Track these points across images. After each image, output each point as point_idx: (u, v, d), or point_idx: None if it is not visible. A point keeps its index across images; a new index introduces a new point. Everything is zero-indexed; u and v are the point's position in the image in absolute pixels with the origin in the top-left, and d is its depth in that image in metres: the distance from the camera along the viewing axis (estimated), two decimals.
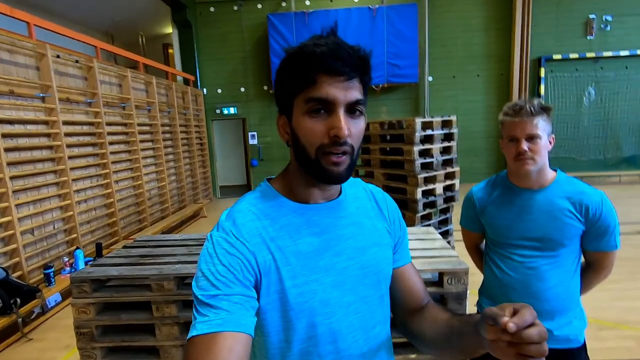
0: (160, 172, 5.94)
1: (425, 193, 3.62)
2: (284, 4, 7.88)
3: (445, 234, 3.88)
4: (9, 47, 3.23)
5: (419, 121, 3.47)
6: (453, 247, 3.84)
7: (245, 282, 0.59)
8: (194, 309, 0.58)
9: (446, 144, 3.83)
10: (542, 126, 1.11)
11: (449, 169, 3.78)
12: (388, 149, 3.95)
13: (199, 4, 8.01)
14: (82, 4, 6.80)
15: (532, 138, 1.12)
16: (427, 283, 1.93)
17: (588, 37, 7.67)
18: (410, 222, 3.56)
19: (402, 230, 0.79)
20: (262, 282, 0.62)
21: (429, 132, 3.59)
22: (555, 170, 1.22)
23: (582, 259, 1.25)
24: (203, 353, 0.53)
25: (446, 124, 3.81)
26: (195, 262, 1.98)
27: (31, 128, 3.43)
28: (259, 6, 7.95)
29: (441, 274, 1.86)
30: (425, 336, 0.70)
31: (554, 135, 1.18)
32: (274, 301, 0.62)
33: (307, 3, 7.84)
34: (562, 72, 7.83)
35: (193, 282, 0.61)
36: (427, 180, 3.62)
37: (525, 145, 1.11)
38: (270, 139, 8.40)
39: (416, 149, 3.47)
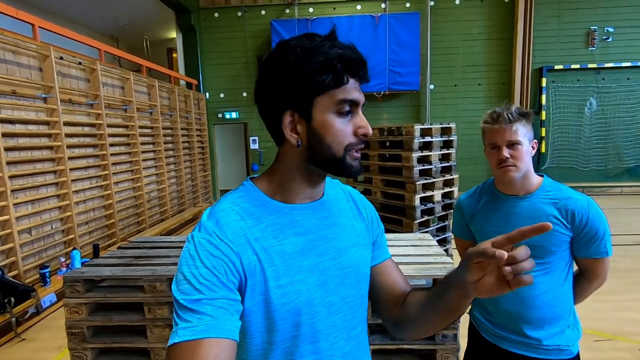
0: (160, 175, 5.96)
1: (424, 200, 3.61)
2: (287, 11, 7.96)
3: (443, 242, 3.87)
4: (13, 47, 3.27)
5: (418, 128, 3.48)
6: (450, 255, 3.82)
7: (229, 285, 0.58)
8: (174, 314, 0.56)
9: (445, 151, 3.83)
10: (522, 132, 1.11)
11: (448, 176, 3.78)
12: (387, 155, 3.95)
13: (204, 9, 8.11)
14: (89, 8, 6.89)
15: (512, 144, 1.11)
16: (420, 289, 1.92)
17: (589, 48, 7.70)
18: (408, 229, 3.55)
19: (379, 227, 0.81)
20: (247, 284, 0.60)
21: (427, 139, 3.59)
22: (542, 176, 1.20)
23: (575, 267, 1.23)
24: None
25: (445, 131, 3.82)
26: None
27: (32, 128, 3.45)
28: (263, 12, 8.04)
29: (435, 281, 1.85)
30: (411, 318, 0.71)
31: (536, 140, 1.18)
32: (259, 302, 0.61)
33: (310, 10, 7.91)
34: (564, 83, 7.85)
35: (173, 286, 0.58)
36: (426, 187, 3.62)
37: (506, 152, 1.11)
38: (271, 144, 8.36)
39: (415, 155, 3.47)
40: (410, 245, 2.29)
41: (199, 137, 7.76)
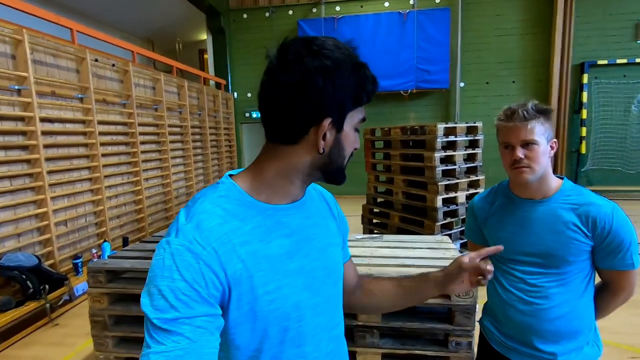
0: (188, 172, 6.16)
1: (446, 201, 3.50)
2: (314, 10, 7.97)
3: (467, 245, 3.72)
4: (53, 51, 3.49)
5: (441, 127, 3.37)
6: None
7: (210, 300, 0.53)
8: (146, 333, 0.51)
9: (471, 151, 3.69)
10: (539, 131, 1.02)
11: (473, 177, 3.64)
12: (409, 155, 3.86)
13: (233, 11, 8.29)
14: (126, 13, 7.25)
15: (527, 144, 1.02)
16: None
17: (638, 42, 7.13)
18: (429, 231, 3.45)
19: (346, 227, 0.83)
20: (232, 295, 0.56)
21: (452, 138, 3.47)
22: (562, 179, 1.11)
23: (598, 279, 1.13)
24: None
25: (471, 130, 3.67)
26: None
27: (69, 127, 3.68)
28: (290, 12, 8.10)
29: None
30: (379, 303, 0.85)
31: (555, 140, 1.07)
32: (246, 313, 0.58)
33: (337, 9, 7.88)
34: (608, 79, 7.31)
35: (144, 299, 0.52)
36: (449, 188, 3.50)
37: (520, 153, 1.03)
38: None
39: (437, 155, 3.36)
40: (427, 248, 2.22)
41: (226, 135, 7.95)
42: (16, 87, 3.07)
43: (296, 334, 0.63)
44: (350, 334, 1.90)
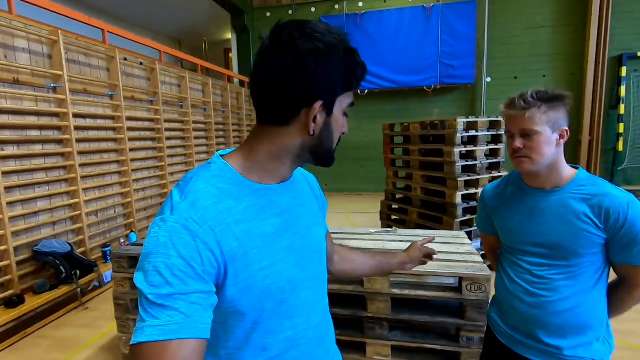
0: None
1: (467, 197, 3.41)
2: (336, 7, 7.96)
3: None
4: (86, 51, 3.69)
5: (461, 121, 3.29)
6: None
7: (205, 277, 0.54)
8: (141, 307, 0.52)
9: (493, 146, 3.58)
10: (540, 120, 0.97)
11: (495, 173, 3.53)
12: (429, 150, 3.79)
13: (257, 9, 8.42)
14: (155, 14, 7.53)
15: (527, 134, 0.99)
16: (446, 288, 1.83)
17: None
18: (448, 227, 3.38)
19: (326, 205, 0.86)
20: (228, 272, 0.57)
21: (473, 133, 3.38)
22: (577, 168, 1.06)
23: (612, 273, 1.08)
24: None
25: (494, 125, 3.56)
26: None
27: (100, 122, 3.88)
28: (313, 9, 8.13)
29: (461, 280, 1.76)
30: (350, 271, 1.01)
31: (566, 129, 1.00)
32: (243, 289, 0.59)
33: (360, 4, 7.83)
34: None
35: (138, 275, 0.53)
36: (469, 184, 3.41)
37: (518, 142, 1.00)
38: None
39: (457, 150, 3.29)
40: (442, 243, 2.19)
41: (249, 132, 8.07)
42: (52, 85, 3.28)
43: (289, 307, 0.66)
44: (360, 325, 1.91)
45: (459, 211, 3.34)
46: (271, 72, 0.58)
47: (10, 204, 2.89)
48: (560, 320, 1.03)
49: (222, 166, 0.63)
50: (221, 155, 0.67)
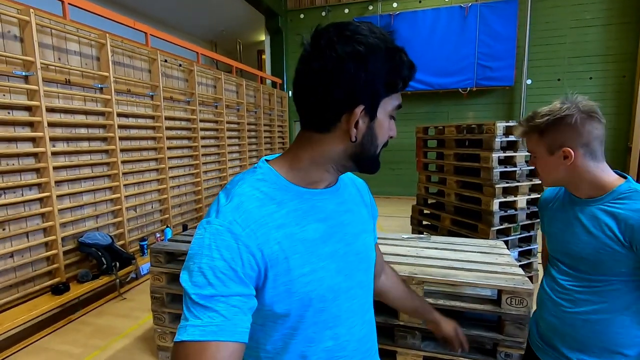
0: (243, 167, 6.47)
1: (504, 205, 3.27)
2: (370, 7, 7.90)
3: (527, 254, 3.45)
4: (130, 53, 3.88)
5: (501, 125, 3.16)
6: (536, 270, 3.40)
7: (245, 280, 0.55)
8: (185, 306, 0.53)
9: None
10: (536, 143, 1.00)
11: (537, 181, 3.35)
12: (464, 154, 3.66)
13: (290, 11, 8.51)
14: (193, 18, 7.80)
15: (532, 155, 1.04)
16: (483, 300, 1.76)
17: None
18: (484, 236, 3.25)
19: (376, 213, 0.85)
20: (268, 275, 0.58)
21: (513, 138, 3.24)
22: (625, 177, 0.98)
23: None
24: None
25: None
26: None
27: (141, 121, 4.06)
28: (346, 11, 8.11)
29: (500, 292, 1.68)
30: (387, 296, 0.97)
31: (568, 149, 0.94)
32: (282, 293, 0.59)
33: (395, 5, 7.72)
34: None
35: (184, 275, 0.54)
36: (507, 192, 3.27)
37: (531, 161, 1.07)
38: None
39: (495, 155, 3.16)
40: (478, 252, 2.10)
41: (280, 132, 8.20)
42: (99, 86, 3.47)
43: (330, 316, 0.64)
44: (391, 333, 1.87)
45: (496, 219, 3.20)
46: (311, 77, 0.58)
47: (59, 197, 3.08)
48: (577, 334, 1.00)
49: (267, 170, 0.63)
50: (266, 160, 0.67)
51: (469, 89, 7.28)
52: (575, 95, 0.97)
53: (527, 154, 3.35)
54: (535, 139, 0.99)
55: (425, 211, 4.33)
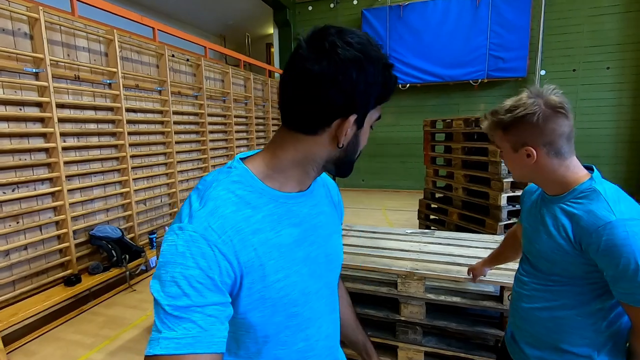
0: None
1: (512, 200, 3.21)
2: None
3: None
4: (138, 48, 3.91)
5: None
6: None
7: (222, 288, 0.53)
8: (157, 317, 0.50)
9: None
10: (500, 139, 0.96)
11: None
12: (473, 148, 3.61)
13: (299, 4, 8.44)
14: (202, 11, 7.80)
15: (500, 149, 1.01)
16: (485, 296, 1.74)
17: None
18: (491, 231, 3.21)
19: (342, 213, 0.83)
20: (244, 282, 0.56)
21: None
22: (591, 173, 0.93)
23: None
24: None
25: None
26: None
27: (149, 116, 4.10)
28: (355, 2, 8.00)
29: (502, 289, 1.66)
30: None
31: (530, 148, 0.89)
32: (256, 300, 0.58)
33: None
34: None
35: (155, 284, 0.51)
36: (516, 186, 3.21)
37: (500, 155, 1.04)
38: None
39: None
40: (483, 248, 2.08)
41: None
42: (108, 81, 3.51)
43: (302, 319, 0.65)
44: (392, 328, 1.87)
45: (504, 214, 3.15)
46: (311, 79, 0.55)
47: (70, 191, 3.15)
48: (533, 330, 1.01)
49: (243, 172, 0.61)
50: (241, 159, 0.64)
51: (480, 80, 7.13)
52: (543, 86, 0.92)
53: None
54: (500, 135, 0.96)
55: (433, 205, 4.29)
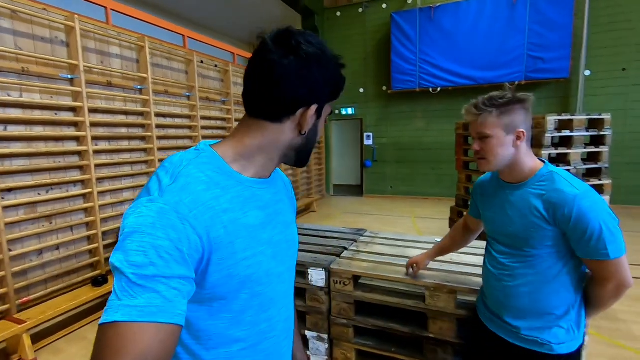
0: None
1: None
2: (409, 1, 7.61)
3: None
4: (168, 55, 4.01)
5: (552, 119, 2.84)
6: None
7: (189, 262, 0.53)
8: (117, 286, 0.49)
9: (593, 149, 3.04)
10: (493, 124, 1.06)
11: (595, 181, 2.99)
12: None
13: (328, 9, 8.45)
14: (229, 18, 7.96)
15: (482, 137, 1.09)
16: None
17: None
18: None
19: (295, 205, 0.87)
20: (212, 258, 0.57)
21: (566, 133, 2.90)
22: (543, 162, 1.12)
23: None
24: (128, 344, 0.45)
25: (595, 124, 3.02)
26: None
27: (178, 121, 4.18)
28: (384, 6, 7.88)
29: None
30: None
31: (522, 130, 1.07)
32: (225, 277, 0.59)
33: None
34: None
35: (118, 255, 0.50)
36: None
37: (476, 145, 1.11)
38: (385, 141, 8.25)
39: (545, 153, 2.85)
40: None
41: None
42: (138, 87, 3.61)
43: (266, 299, 0.67)
44: (419, 346, 1.71)
45: None
46: (278, 72, 0.61)
47: (100, 193, 3.24)
48: (519, 304, 1.13)
49: (211, 155, 0.64)
50: (210, 145, 0.67)
51: (517, 82, 6.75)
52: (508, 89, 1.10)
53: (584, 151, 2.99)
54: (493, 119, 1.06)
55: (465, 213, 4.03)
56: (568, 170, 2.94)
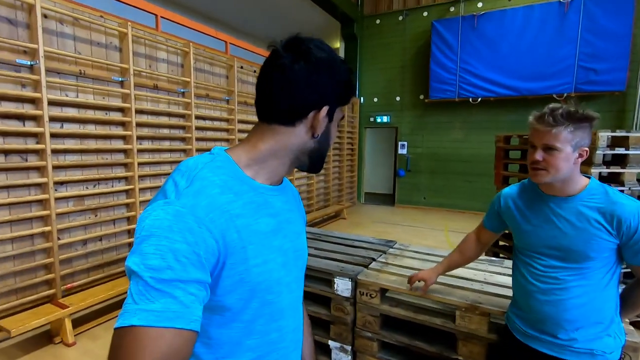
0: None
1: None
2: (452, 9, 7.43)
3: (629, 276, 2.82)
4: (210, 60, 4.18)
5: (604, 135, 2.65)
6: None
7: (205, 266, 0.53)
8: (134, 290, 0.48)
9: None
10: (564, 138, 1.03)
11: None
12: None
13: (367, 17, 8.45)
14: (270, 26, 8.20)
15: (549, 148, 1.06)
16: None
17: None
18: None
19: (305, 217, 0.86)
20: (227, 263, 0.57)
21: (621, 151, 2.69)
22: (589, 178, 1.13)
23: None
24: (145, 349, 0.45)
25: None
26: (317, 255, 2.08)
27: (216, 124, 4.33)
28: (425, 14, 7.76)
29: None
30: None
31: (586, 149, 1.07)
32: (237, 282, 0.59)
33: (480, 5, 7.15)
34: None
35: (134, 258, 0.50)
36: None
37: (539, 155, 1.07)
38: (420, 150, 8.07)
39: (595, 171, 2.66)
40: None
41: (349, 139, 8.14)
42: (182, 90, 3.78)
43: (276, 309, 0.67)
44: None
45: None
46: (289, 75, 0.62)
47: (142, 190, 3.41)
48: (572, 317, 1.11)
49: (226, 159, 0.64)
50: (225, 150, 0.68)
51: (566, 94, 6.38)
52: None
53: (639, 171, 2.76)
54: (567, 134, 1.03)
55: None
56: (622, 191, 2.72)
